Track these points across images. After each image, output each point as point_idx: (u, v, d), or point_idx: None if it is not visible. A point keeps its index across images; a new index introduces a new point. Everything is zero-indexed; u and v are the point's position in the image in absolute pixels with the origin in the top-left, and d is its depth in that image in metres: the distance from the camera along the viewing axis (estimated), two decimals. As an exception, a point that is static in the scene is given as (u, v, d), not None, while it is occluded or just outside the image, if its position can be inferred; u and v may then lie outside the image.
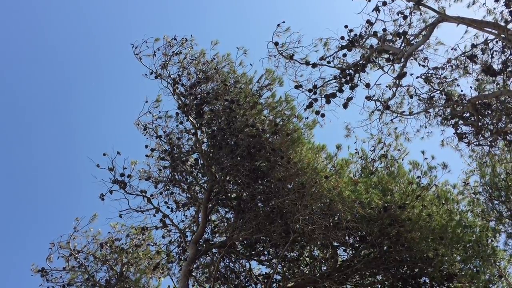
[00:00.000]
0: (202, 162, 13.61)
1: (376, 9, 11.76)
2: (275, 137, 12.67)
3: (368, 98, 12.61)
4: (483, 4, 12.49)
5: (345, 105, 12.12)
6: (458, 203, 13.13)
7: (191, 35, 13.98)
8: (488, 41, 12.34)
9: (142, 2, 32.34)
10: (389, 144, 13.57)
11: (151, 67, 13.57)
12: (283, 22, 12.03)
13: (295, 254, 13.35)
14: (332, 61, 12.40)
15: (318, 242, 12.09)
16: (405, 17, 12.07)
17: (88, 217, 13.70)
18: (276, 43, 12.20)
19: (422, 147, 14.60)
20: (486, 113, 12.69)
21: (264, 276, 13.48)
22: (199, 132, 13.64)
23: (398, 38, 12.19)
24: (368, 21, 12.03)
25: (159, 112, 13.82)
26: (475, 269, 11.80)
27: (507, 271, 13.26)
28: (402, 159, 13.29)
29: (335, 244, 12.33)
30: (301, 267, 13.32)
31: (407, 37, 12.00)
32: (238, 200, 13.13)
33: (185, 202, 14.05)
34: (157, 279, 14.47)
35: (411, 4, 11.96)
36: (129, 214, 13.49)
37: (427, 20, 12.19)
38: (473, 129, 12.90)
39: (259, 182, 12.84)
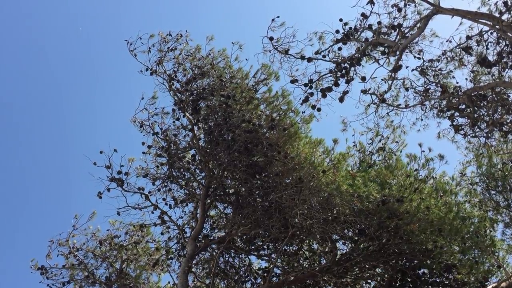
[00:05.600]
0: (199, 158, 13.63)
1: (371, 1, 11.75)
2: (272, 132, 12.66)
3: (364, 91, 12.65)
4: (477, -5, 12.52)
5: (341, 99, 12.16)
6: (456, 195, 13.16)
7: (186, 31, 13.97)
8: (483, 33, 12.35)
9: (136, -2, 32.24)
10: (387, 137, 13.62)
11: (146, 64, 13.56)
12: (278, 17, 12.01)
13: (294, 248, 13.40)
14: (327, 55, 12.40)
15: (317, 236, 12.12)
16: (399, 10, 12.07)
17: (87, 214, 13.68)
18: (271, 38, 12.17)
19: (419, 139, 14.68)
20: (481, 104, 12.72)
21: (263, 270, 13.53)
22: (195, 128, 13.65)
23: (393, 31, 12.20)
24: (362, 14, 12.03)
25: (156, 108, 13.81)
26: (474, 260, 11.86)
27: (506, 261, 13.35)
28: (400, 152, 13.35)
29: (334, 237, 12.37)
30: (301, 261, 13.37)
31: (402, 30, 12.01)
32: (236, 195, 13.17)
33: (183, 198, 14.07)
34: (157, 275, 14.51)
35: (405, -4, 11.98)
36: (127, 211, 13.52)
37: (421, 12, 12.19)
38: (469, 120, 12.94)
39: (257, 177, 12.86)
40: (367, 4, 11.81)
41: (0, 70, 29.71)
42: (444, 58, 12.83)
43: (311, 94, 12.21)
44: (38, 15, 30.81)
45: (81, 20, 31.23)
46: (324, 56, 12.34)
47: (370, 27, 12.15)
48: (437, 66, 12.86)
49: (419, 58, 12.61)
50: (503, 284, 11.64)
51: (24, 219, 29.89)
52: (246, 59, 13.54)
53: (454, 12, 11.13)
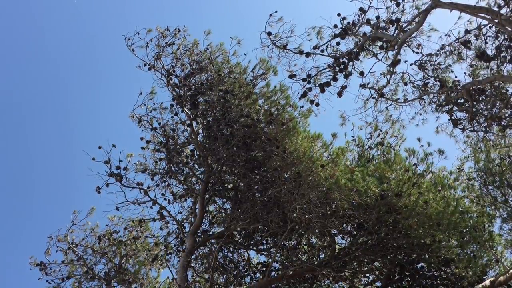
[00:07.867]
0: (198, 153, 13.63)
1: (369, -4, 11.74)
2: (270, 126, 12.66)
3: (363, 86, 12.60)
4: (476, -11, 12.47)
5: (339, 94, 12.11)
6: (455, 189, 13.19)
7: (184, 26, 13.89)
8: (482, 27, 12.34)
9: (134, -7, 32.15)
10: (386, 132, 13.62)
11: (145, 59, 13.48)
12: (276, 12, 11.99)
13: (293, 243, 13.43)
14: (326, 49, 12.34)
15: (316, 231, 12.16)
16: (398, 4, 12.04)
17: (86, 210, 13.67)
18: (269, 33, 12.13)
19: (417, 134, 14.68)
20: (480, 98, 12.70)
21: (262, 265, 13.55)
22: (194, 123, 13.62)
23: (391, 25, 12.14)
24: (361, 9, 11.99)
25: (154, 104, 13.77)
26: (472, 254, 11.89)
27: (504, 255, 13.38)
28: (399, 146, 13.37)
29: (333, 232, 12.40)
30: (300, 256, 13.40)
31: (400, 24, 11.97)
32: (235, 190, 13.19)
33: (182, 193, 14.07)
34: (156, 270, 14.53)
35: (404, -10, 11.96)
36: (126, 207, 13.53)
37: (420, 6, 12.14)
38: (467, 115, 12.92)
39: (256, 172, 12.86)
40: (365, -2, 11.81)
41: (-2, 66, 29.65)
42: (442, 53, 12.80)
43: (310, 89, 12.17)
44: (37, 10, 30.75)
45: (80, 15, 31.17)
46: (322, 51, 12.29)
47: (368, 21, 12.10)
48: (435, 61, 12.83)
49: (417, 53, 12.57)
50: (501, 278, 11.67)
51: (22, 215, 29.90)
52: (245, 54, 13.50)
53: (452, 6, 11.09)
